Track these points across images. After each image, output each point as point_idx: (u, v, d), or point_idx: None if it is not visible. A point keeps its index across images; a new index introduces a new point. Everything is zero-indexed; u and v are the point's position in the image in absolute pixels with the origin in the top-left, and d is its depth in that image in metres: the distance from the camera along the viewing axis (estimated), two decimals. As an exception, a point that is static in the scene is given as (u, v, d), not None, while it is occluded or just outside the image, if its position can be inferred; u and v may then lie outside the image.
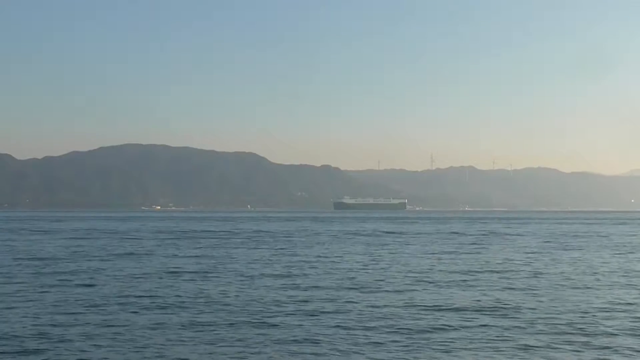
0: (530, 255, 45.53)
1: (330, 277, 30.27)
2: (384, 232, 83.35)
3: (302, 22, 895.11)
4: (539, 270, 34.36)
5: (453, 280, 29.25)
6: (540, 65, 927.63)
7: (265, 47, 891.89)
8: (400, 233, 78.13)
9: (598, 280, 30.46)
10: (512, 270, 33.85)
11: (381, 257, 42.66)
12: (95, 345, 16.40)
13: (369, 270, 33.83)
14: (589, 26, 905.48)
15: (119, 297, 24.05)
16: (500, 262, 39.33)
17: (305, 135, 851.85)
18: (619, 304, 23.40)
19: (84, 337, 17.15)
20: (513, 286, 27.42)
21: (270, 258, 41.62)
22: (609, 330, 18.69)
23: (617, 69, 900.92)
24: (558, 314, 20.85)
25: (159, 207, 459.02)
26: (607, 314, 21.35)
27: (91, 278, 30.30)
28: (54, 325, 18.74)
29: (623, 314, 21.06)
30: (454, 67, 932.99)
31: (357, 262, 38.04)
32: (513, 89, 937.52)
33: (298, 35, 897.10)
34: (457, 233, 79.13)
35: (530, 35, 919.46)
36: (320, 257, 42.56)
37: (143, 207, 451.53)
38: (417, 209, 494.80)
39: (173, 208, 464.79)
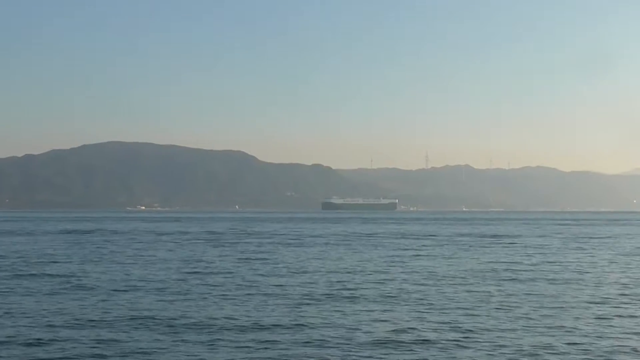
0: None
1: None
2: (350, 234, 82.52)
3: (294, 19, 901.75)
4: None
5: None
6: (539, 63, 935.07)
7: (256, 44, 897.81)
8: (371, 234, 78.27)
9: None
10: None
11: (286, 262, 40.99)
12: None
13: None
14: (589, 25, 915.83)
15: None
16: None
17: (296, 133, 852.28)
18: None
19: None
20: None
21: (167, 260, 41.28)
22: None
23: (618, 66, 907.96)
24: None
25: (143, 208, 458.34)
26: None
27: None
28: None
29: None
30: (451, 64, 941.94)
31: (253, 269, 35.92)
32: (511, 87, 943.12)
33: (290, 32, 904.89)
34: (434, 236, 78.56)
35: (529, 34, 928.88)
36: (207, 261, 41.00)
37: (128, 208, 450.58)
38: (412, 209, 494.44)
39: (158, 208, 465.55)
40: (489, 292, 26.30)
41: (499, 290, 26.64)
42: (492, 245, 57.65)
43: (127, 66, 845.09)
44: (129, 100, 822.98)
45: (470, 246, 55.72)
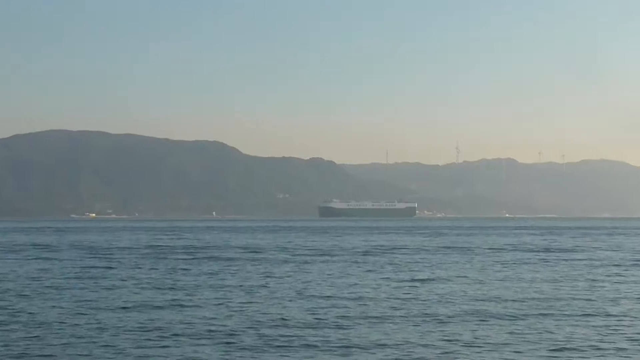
0: None
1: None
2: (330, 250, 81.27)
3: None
4: None
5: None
6: (602, 34, 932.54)
7: (236, 7, 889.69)
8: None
9: None
10: None
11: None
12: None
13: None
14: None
15: None
16: None
17: (289, 119, 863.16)
18: None
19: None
20: None
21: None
22: None
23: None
24: None
25: (94, 215, 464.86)
26: None
27: None
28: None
29: None
30: (488, 30, 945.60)
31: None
32: (565, 58, 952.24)
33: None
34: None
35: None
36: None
37: (73, 215, 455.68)
38: (438, 215, 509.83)
39: (113, 216, 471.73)
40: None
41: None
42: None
43: (71, 36, 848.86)
44: (73, 78, 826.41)
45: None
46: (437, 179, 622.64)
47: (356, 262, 61.53)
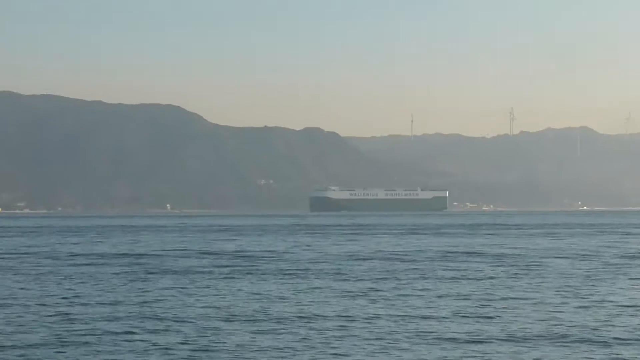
0: None
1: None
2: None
3: None
4: None
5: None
6: None
7: None
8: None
9: None
10: None
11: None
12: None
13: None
14: None
15: None
16: None
17: (275, 74, 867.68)
18: None
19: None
20: None
21: None
22: None
23: None
24: None
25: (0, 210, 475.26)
26: None
27: None
28: None
29: None
30: None
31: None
32: None
33: None
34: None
35: None
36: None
37: None
38: (485, 207, 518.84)
39: (26, 210, 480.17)
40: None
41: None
42: None
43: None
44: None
45: None
46: (482, 157, 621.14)
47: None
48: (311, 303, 40.76)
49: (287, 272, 58.62)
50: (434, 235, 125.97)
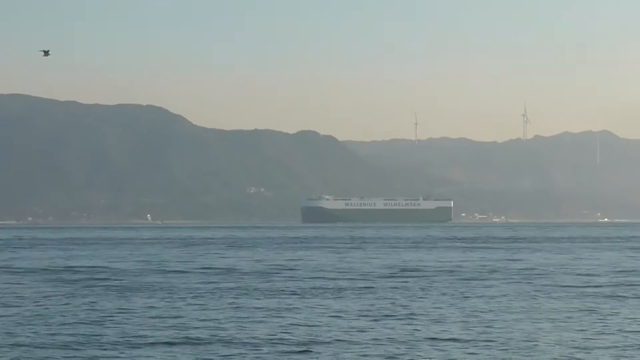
0: None
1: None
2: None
3: None
4: None
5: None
6: None
7: None
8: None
9: None
10: None
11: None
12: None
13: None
14: None
15: None
16: None
17: (267, 72, 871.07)
18: None
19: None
20: None
21: None
22: None
23: None
24: None
25: None
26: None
27: None
28: None
29: None
30: None
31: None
32: None
33: None
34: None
35: None
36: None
37: None
38: (496, 219, 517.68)
39: None
40: None
41: None
42: None
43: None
44: None
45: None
46: (492, 164, 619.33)
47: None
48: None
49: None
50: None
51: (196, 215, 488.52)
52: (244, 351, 31.92)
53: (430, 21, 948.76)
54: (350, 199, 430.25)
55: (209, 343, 34.26)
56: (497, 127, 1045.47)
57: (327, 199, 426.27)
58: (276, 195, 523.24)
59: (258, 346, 33.57)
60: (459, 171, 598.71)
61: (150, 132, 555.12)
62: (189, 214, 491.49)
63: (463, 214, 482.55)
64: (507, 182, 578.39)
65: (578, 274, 70.79)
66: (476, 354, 31.56)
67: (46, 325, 40.41)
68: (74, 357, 32.20)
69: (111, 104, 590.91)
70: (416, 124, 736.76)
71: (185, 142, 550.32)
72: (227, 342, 34.43)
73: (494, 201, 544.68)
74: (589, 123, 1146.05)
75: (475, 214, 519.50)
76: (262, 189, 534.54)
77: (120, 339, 35.25)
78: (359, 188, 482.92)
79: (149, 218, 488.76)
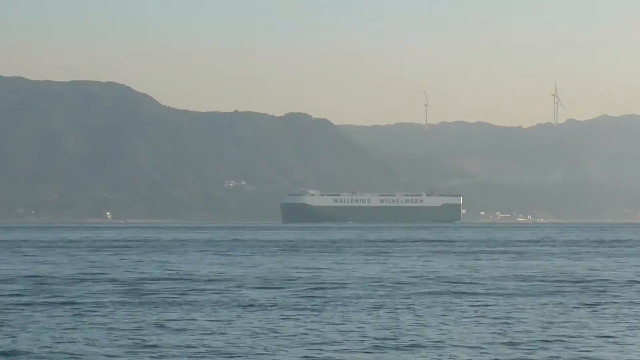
0: None
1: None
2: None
3: None
4: None
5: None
6: None
7: None
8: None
9: None
10: None
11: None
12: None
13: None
14: None
15: None
16: None
17: (249, 45, 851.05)
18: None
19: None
20: None
21: None
22: None
23: None
24: None
25: None
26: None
27: None
28: None
29: None
30: None
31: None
32: None
33: None
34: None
35: None
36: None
37: None
38: (521, 218, 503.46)
39: None
40: None
41: None
42: None
43: None
44: None
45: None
46: (516, 153, 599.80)
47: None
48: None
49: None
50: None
51: (165, 214, 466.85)
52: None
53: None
54: (340, 195, 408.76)
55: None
56: (522, 109, 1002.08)
57: (312, 195, 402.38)
58: (259, 189, 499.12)
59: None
60: (476, 162, 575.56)
61: (110, 114, 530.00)
62: (156, 212, 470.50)
63: (482, 212, 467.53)
64: (534, 175, 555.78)
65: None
66: None
67: None
68: None
69: (64, 80, 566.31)
70: (426, 105, 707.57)
71: (151, 126, 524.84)
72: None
73: (517, 198, 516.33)
74: (631, 105, 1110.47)
75: (497, 213, 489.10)
76: (243, 182, 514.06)
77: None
78: (357, 181, 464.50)
79: (109, 216, 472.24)
